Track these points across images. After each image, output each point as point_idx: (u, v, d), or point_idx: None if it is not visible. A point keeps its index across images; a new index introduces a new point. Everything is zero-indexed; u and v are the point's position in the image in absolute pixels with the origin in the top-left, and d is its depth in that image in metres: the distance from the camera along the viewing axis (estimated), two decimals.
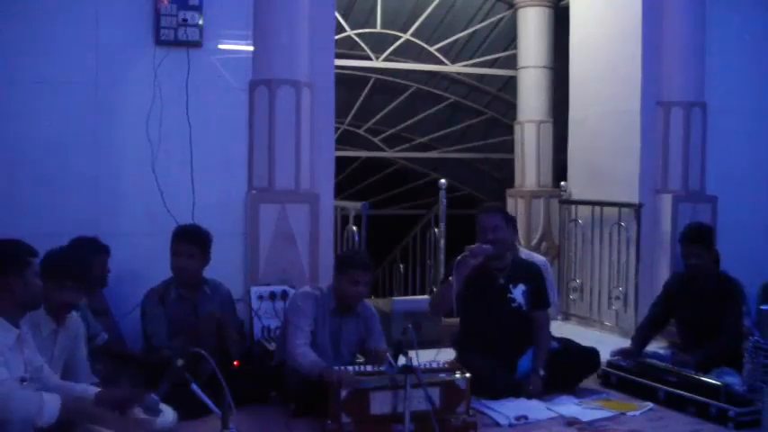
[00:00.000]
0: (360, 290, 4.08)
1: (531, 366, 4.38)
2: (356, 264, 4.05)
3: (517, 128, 8.41)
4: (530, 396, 4.23)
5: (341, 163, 7.24)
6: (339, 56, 6.39)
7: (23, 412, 2.76)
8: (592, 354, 4.56)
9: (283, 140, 5.04)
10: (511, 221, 4.69)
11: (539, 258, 5.35)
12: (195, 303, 4.21)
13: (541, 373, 4.31)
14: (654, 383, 4.29)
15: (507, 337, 4.40)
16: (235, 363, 4.06)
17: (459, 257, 4.26)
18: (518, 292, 4.47)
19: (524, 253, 5.27)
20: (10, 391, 2.77)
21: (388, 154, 9.58)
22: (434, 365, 3.83)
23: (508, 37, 8.98)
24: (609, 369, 4.59)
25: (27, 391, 2.85)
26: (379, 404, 3.52)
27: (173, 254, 4.17)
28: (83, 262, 3.58)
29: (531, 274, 4.56)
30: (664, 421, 4.00)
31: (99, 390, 3.16)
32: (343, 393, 3.49)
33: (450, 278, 4.22)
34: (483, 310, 4.35)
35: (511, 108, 8.96)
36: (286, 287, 4.89)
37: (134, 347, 4.36)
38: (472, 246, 4.27)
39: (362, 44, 8.56)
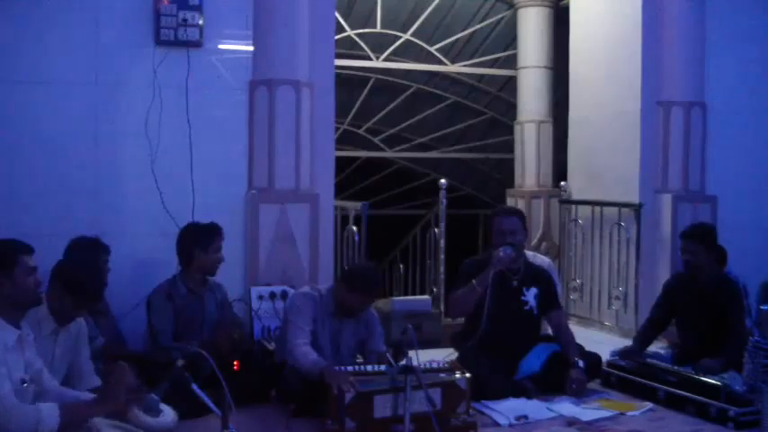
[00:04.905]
0: (365, 307, 4.14)
1: (534, 367, 4.38)
2: (371, 291, 4.08)
3: (517, 128, 8.41)
4: (574, 393, 4.25)
5: (341, 163, 7.24)
6: (339, 56, 6.39)
7: (22, 427, 2.73)
8: (593, 359, 4.55)
9: (283, 140, 5.04)
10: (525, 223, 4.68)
11: (543, 259, 5.36)
12: (202, 297, 4.32)
13: (581, 364, 4.33)
14: (654, 383, 4.29)
15: (515, 338, 4.42)
16: (235, 363, 4.07)
17: (467, 260, 4.27)
18: (531, 295, 4.50)
19: (529, 254, 5.27)
20: (9, 408, 2.73)
21: (388, 154, 9.58)
22: (434, 365, 3.82)
23: (508, 37, 8.98)
24: (609, 369, 4.59)
25: (25, 406, 2.79)
26: (383, 407, 3.50)
27: (215, 250, 4.27)
28: (101, 285, 3.61)
29: (543, 278, 4.61)
30: (664, 421, 4.00)
31: (96, 395, 3.14)
32: (348, 398, 3.48)
33: (474, 282, 4.27)
34: (495, 311, 4.31)
35: (511, 108, 8.96)
36: (286, 287, 4.89)
37: (134, 347, 4.36)
38: (500, 254, 4.28)
39: (362, 44, 8.56)
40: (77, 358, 3.48)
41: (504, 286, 4.41)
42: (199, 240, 4.28)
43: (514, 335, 4.42)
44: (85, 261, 3.73)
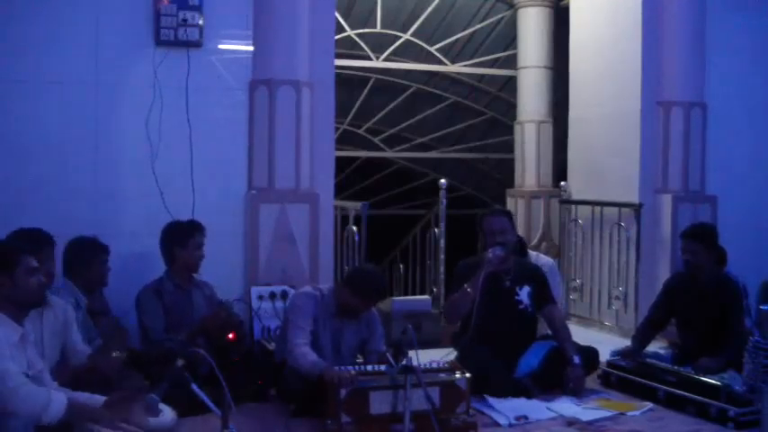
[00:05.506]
0: (367, 310, 4.15)
1: (533, 364, 4.39)
2: (374, 296, 4.09)
3: (517, 128, 8.42)
4: (572, 392, 4.26)
5: (341, 163, 7.24)
6: (339, 56, 6.39)
7: (29, 408, 2.75)
8: (590, 353, 4.56)
9: (283, 140, 5.05)
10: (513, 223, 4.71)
11: (546, 260, 5.36)
12: (189, 293, 4.36)
13: (576, 360, 4.34)
14: (654, 383, 4.28)
15: (512, 337, 4.44)
16: (231, 335, 4.11)
17: (460, 263, 4.27)
18: (524, 294, 4.52)
19: (533, 255, 5.27)
20: (17, 386, 2.77)
21: (388, 154, 9.58)
22: (434, 365, 3.82)
23: (508, 37, 8.98)
24: (609, 369, 4.59)
25: (35, 387, 2.83)
26: (379, 404, 3.52)
27: (196, 246, 4.32)
28: (43, 238, 3.65)
29: (535, 276, 4.62)
30: (664, 421, 4.00)
31: (106, 398, 3.14)
32: (343, 393, 3.49)
33: (466, 286, 4.29)
34: (491, 311, 4.33)
35: (511, 108, 8.96)
36: (286, 287, 4.89)
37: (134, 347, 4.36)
38: (489, 256, 4.31)
39: (362, 44, 8.56)
40: (68, 341, 3.53)
41: (497, 287, 4.43)
42: (178, 238, 4.33)
43: (511, 334, 4.44)
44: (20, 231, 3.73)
